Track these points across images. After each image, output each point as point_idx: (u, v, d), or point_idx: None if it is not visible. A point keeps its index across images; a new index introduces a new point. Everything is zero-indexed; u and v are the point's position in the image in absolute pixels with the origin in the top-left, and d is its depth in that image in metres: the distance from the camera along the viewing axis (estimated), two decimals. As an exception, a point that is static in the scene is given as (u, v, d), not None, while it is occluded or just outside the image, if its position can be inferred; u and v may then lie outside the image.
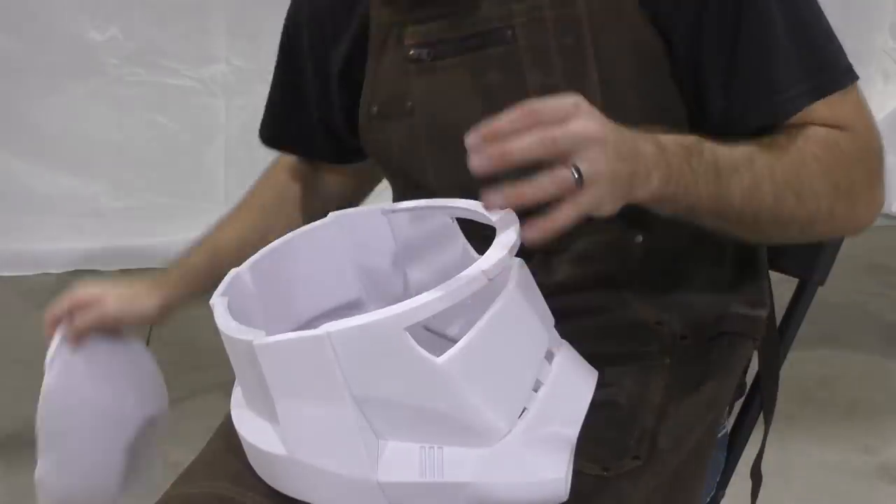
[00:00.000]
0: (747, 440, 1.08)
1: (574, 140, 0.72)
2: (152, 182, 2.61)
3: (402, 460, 0.74)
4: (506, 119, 0.72)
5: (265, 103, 1.14)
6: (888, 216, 2.81)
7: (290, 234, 0.92)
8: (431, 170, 0.98)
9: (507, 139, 0.71)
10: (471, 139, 0.72)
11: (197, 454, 0.96)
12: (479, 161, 0.71)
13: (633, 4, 0.88)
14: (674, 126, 0.87)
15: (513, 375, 0.76)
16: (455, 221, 0.91)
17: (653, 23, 0.88)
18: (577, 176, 0.72)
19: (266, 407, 0.78)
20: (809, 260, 1.07)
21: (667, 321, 0.96)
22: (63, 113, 2.51)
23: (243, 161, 2.48)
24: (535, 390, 0.77)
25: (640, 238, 0.95)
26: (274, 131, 1.14)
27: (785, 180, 0.84)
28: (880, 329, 2.33)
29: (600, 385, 0.81)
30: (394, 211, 0.92)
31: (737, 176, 0.83)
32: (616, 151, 0.74)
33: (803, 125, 0.87)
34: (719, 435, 1.04)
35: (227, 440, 0.92)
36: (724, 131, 0.86)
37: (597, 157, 0.73)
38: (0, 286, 2.51)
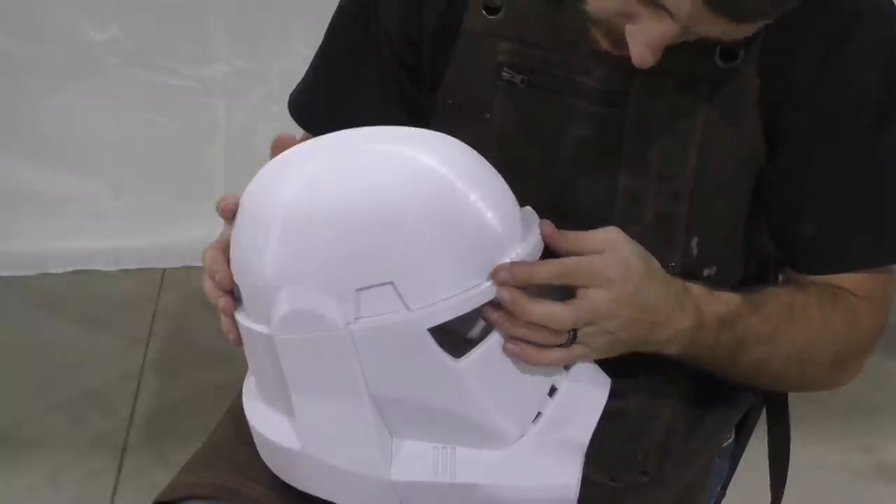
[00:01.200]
0: (746, 445, 1.08)
1: (588, 312, 0.78)
2: (152, 182, 2.60)
3: (415, 460, 0.75)
4: (540, 270, 0.76)
5: (306, 76, 1.04)
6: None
7: None
8: None
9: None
10: (501, 275, 0.75)
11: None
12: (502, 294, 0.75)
13: (754, 106, 0.87)
14: (746, 233, 0.92)
15: (529, 380, 0.77)
16: None
17: (765, 129, 0.88)
18: (569, 339, 0.78)
19: (281, 400, 0.78)
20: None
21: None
22: (63, 113, 2.51)
23: (243, 161, 2.48)
24: (551, 395, 0.77)
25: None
26: (314, 111, 1.03)
27: (797, 355, 0.89)
28: (880, 329, 2.32)
29: (611, 395, 0.82)
30: None
31: (754, 350, 0.87)
32: (629, 321, 0.79)
33: (840, 286, 0.89)
34: (724, 444, 1.05)
35: (235, 428, 0.92)
36: (792, 254, 0.91)
37: (598, 330, 0.79)
38: (0, 286, 2.51)
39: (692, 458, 0.93)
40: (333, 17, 1.02)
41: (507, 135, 0.93)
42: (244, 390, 0.86)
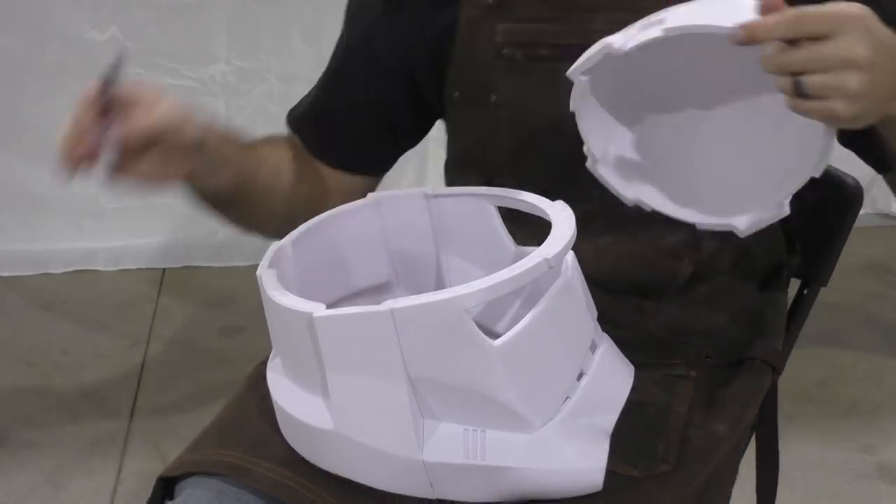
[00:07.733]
0: (748, 443, 1.08)
1: (836, 62, 0.70)
2: (152, 182, 2.60)
3: (446, 441, 0.76)
4: (772, 23, 0.70)
5: (311, 95, 1.10)
6: (888, 216, 2.81)
7: (331, 211, 0.93)
8: (508, 165, 0.97)
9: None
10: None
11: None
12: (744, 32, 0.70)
13: None
14: None
15: (561, 363, 0.78)
16: (496, 210, 0.91)
17: None
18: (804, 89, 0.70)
19: (315, 380, 0.78)
20: (814, 261, 1.07)
21: (691, 341, 0.97)
22: (63, 113, 2.48)
23: (243, 161, 2.48)
24: (578, 379, 0.78)
25: (689, 265, 0.95)
26: (312, 129, 1.09)
27: None
28: (880, 329, 2.32)
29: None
30: (436, 196, 0.92)
31: None
32: (880, 79, 0.71)
33: None
34: (747, 432, 1.04)
35: (242, 408, 0.92)
36: None
37: (854, 83, 0.70)
38: (0, 286, 2.51)
39: (714, 447, 0.93)
40: (338, 44, 1.07)
41: (515, 114, 0.95)
42: (268, 372, 0.86)
